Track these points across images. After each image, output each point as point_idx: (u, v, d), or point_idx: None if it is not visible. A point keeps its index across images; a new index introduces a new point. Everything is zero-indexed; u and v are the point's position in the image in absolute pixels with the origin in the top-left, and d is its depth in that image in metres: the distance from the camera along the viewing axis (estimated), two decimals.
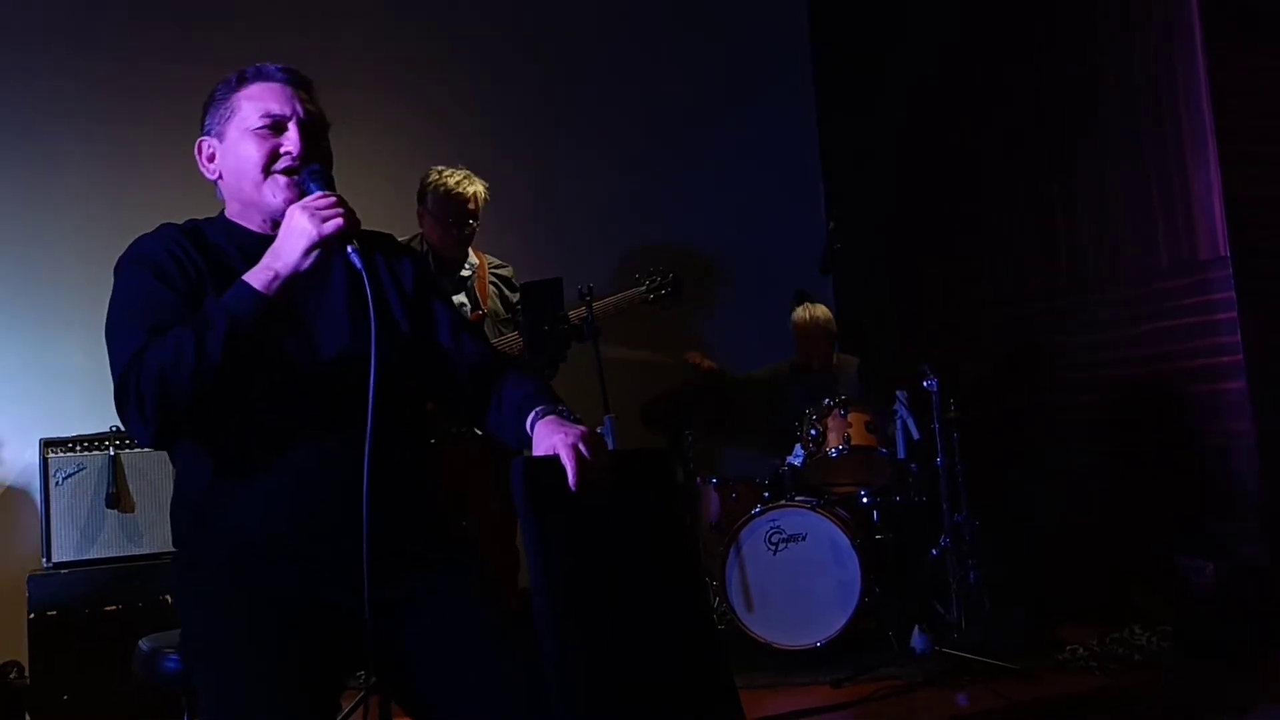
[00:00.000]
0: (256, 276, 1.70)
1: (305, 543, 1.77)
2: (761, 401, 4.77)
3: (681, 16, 5.57)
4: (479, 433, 3.65)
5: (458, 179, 3.72)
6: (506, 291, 3.86)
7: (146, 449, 3.87)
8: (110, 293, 1.83)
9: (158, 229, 1.89)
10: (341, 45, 4.82)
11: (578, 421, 1.81)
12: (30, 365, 4.24)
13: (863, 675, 3.56)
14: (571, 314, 3.60)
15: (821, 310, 4.69)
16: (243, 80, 1.91)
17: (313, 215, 1.70)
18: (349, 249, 1.72)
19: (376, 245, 2.00)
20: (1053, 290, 4.63)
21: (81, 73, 4.46)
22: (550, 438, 1.74)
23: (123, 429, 3.83)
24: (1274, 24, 4.08)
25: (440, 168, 3.77)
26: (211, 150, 1.93)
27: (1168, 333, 4.11)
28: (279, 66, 1.92)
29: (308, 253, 1.69)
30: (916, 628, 3.74)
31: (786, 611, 3.88)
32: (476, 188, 3.75)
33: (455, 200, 3.70)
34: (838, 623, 3.81)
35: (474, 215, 3.74)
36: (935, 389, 4.01)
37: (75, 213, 4.35)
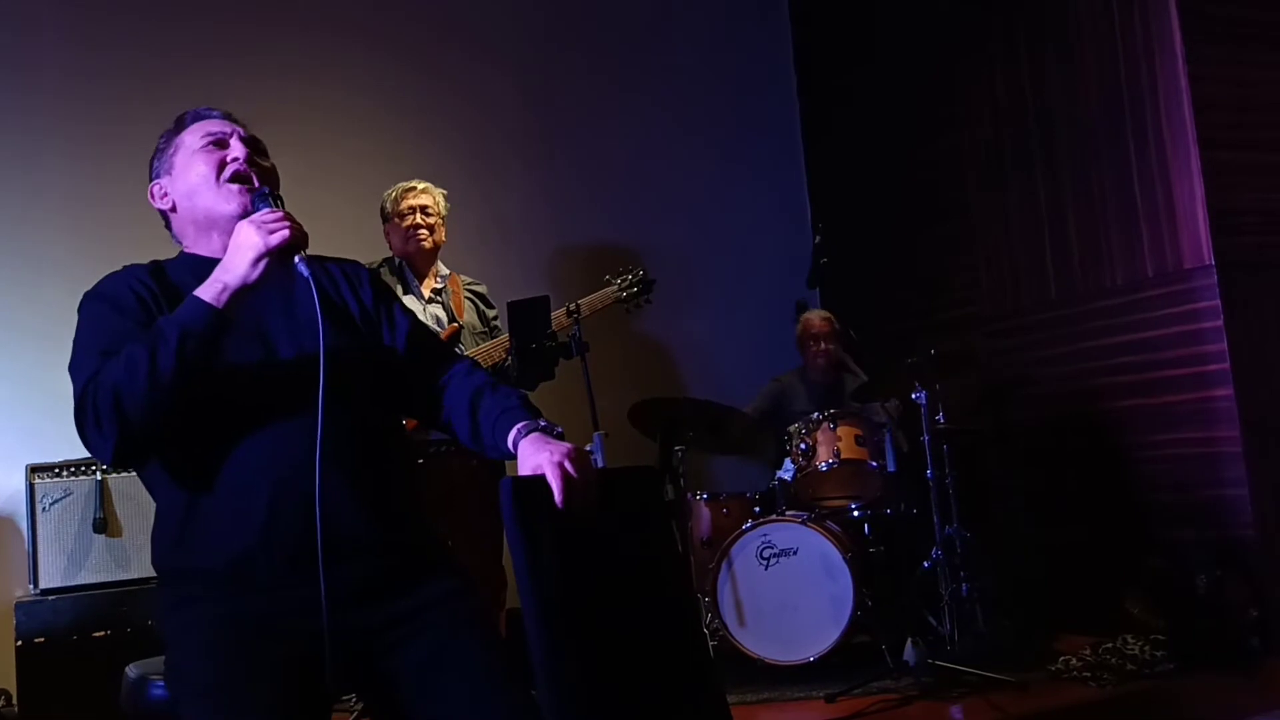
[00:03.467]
0: (206, 290, 1.73)
1: (282, 568, 1.74)
2: (767, 418, 4.73)
3: (665, 30, 5.59)
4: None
5: (411, 184, 3.85)
6: (482, 306, 3.91)
7: (134, 473, 3.85)
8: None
9: (122, 269, 1.93)
10: (322, 66, 4.83)
11: (560, 437, 1.80)
12: (16, 391, 4.21)
13: (856, 689, 3.55)
14: (555, 318, 3.60)
15: (826, 314, 4.84)
16: (180, 124, 2.01)
17: (260, 228, 1.74)
18: (296, 259, 1.75)
19: (336, 264, 2.07)
20: (1040, 301, 4.64)
21: (69, 101, 4.45)
22: (536, 456, 1.75)
23: None
24: (1254, 33, 4.12)
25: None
26: (162, 191, 1.99)
27: (1154, 342, 4.13)
28: (212, 108, 2.03)
29: (255, 263, 1.72)
30: (909, 641, 3.73)
31: (779, 626, 3.88)
32: (433, 195, 3.85)
33: (408, 198, 3.80)
34: (830, 637, 3.81)
35: (432, 215, 3.81)
36: (924, 401, 4.02)
37: (62, 241, 4.33)
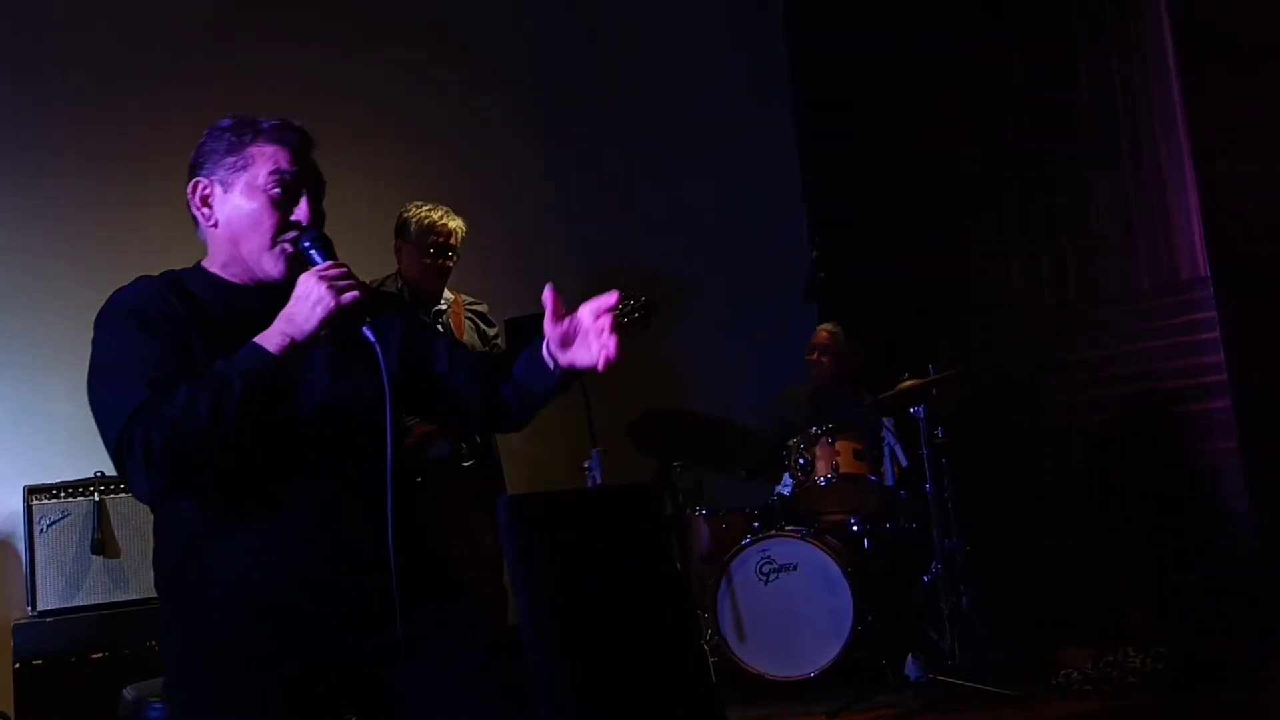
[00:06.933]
0: (271, 340, 1.69)
1: (295, 593, 1.75)
2: (778, 431, 4.69)
3: (664, 51, 5.60)
4: (466, 465, 3.66)
5: (440, 213, 3.78)
6: (483, 326, 3.90)
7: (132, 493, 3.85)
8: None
9: (134, 282, 1.84)
10: (320, 86, 4.83)
11: None
12: (14, 412, 4.21)
13: (857, 705, 3.54)
14: None
15: (833, 328, 4.74)
16: (259, 134, 1.85)
17: (330, 286, 1.69)
18: (364, 327, 1.72)
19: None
20: (1037, 313, 4.64)
21: (68, 123, 4.46)
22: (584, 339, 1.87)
23: (107, 474, 3.83)
24: (1246, 46, 4.13)
25: (419, 203, 3.82)
26: (207, 192, 1.85)
27: (1152, 353, 4.13)
28: (294, 127, 1.88)
29: (324, 321, 1.68)
30: (910, 655, 3.73)
31: (779, 642, 3.87)
32: (458, 222, 3.81)
33: (438, 233, 3.74)
34: (831, 652, 3.80)
35: (454, 250, 3.77)
36: (922, 415, 4.01)
37: (60, 259, 4.34)
